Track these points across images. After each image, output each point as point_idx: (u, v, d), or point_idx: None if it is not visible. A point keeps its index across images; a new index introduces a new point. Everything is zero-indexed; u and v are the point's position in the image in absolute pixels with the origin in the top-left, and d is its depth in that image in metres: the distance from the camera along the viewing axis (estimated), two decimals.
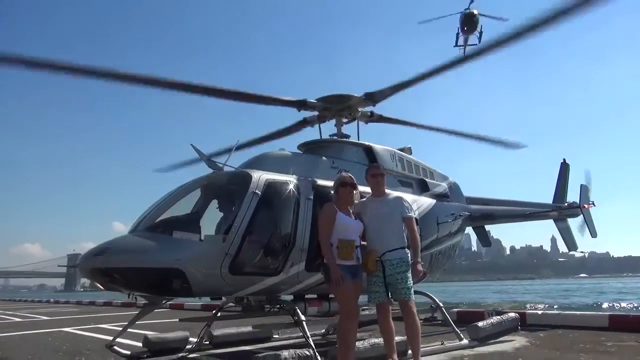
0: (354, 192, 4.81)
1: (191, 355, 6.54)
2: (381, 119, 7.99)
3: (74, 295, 55.23)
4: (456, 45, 24.99)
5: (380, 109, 7.85)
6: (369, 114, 7.79)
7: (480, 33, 23.86)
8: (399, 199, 5.01)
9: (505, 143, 9.59)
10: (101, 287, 5.18)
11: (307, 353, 4.86)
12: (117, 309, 19.66)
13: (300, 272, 5.57)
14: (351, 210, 4.76)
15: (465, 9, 23.93)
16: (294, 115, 7.59)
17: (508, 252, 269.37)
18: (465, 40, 24.71)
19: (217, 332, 7.30)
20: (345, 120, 7.75)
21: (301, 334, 5.30)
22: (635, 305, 18.53)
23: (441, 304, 6.98)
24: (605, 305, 18.65)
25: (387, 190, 5.10)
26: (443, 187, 8.69)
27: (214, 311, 7.12)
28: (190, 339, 7.02)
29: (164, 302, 6.40)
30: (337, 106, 7.37)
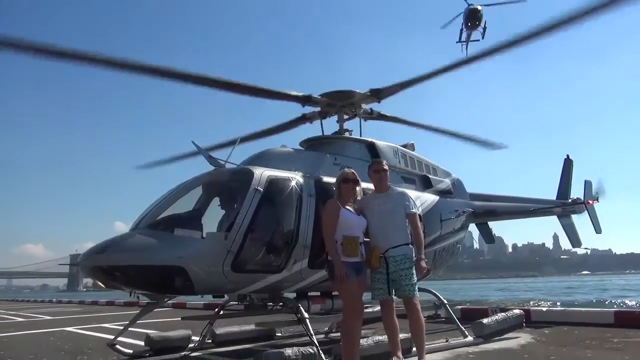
0: (357, 188, 4.75)
1: (193, 354, 6.49)
2: (380, 116, 7.96)
3: (76, 295, 55.32)
4: (459, 41, 24.87)
5: (379, 106, 7.82)
6: (370, 111, 7.76)
7: (484, 29, 23.73)
8: (403, 194, 4.94)
9: (487, 143, 9.57)
10: (102, 286, 5.15)
11: (311, 351, 4.81)
12: (120, 308, 19.64)
13: (303, 269, 5.53)
14: (354, 207, 4.71)
15: (470, 5, 23.76)
16: (294, 111, 7.55)
17: (510, 249, 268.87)
18: (468, 36, 24.59)
19: (219, 331, 7.24)
20: (346, 117, 7.71)
21: (304, 331, 5.26)
22: None
23: (445, 301, 6.92)
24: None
25: (390, 186, 5.04)
26: (446, 183, 8.64)
27: (216, 309, 7.08)
28: (193, 337, 6.97)
29: (166, 300, 6.37)
30: (340, 102, 7.33)
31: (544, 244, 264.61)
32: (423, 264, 4.67)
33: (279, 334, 7.85)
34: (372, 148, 7.28)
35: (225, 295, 6.27)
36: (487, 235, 11.63)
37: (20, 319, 16.04)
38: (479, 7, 23.44)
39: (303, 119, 7.68)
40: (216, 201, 5.83)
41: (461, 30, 24.64)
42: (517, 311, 7.38)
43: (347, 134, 7.64)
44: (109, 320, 12.79)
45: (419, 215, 5.00)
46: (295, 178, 5.76)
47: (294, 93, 6.99)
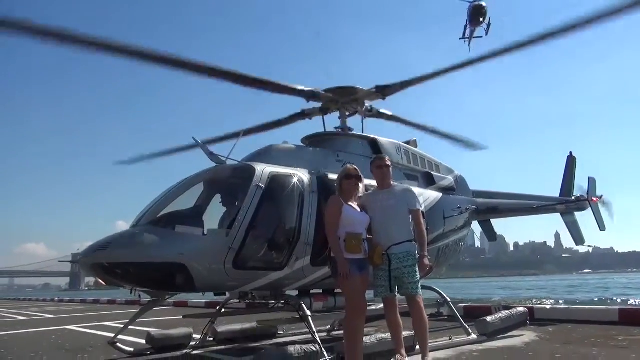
0: (359, 184, 4.69)
1: (195, 352, 6.45)
2: (379, 114, 7.92)
3: (78, 294, 55.43)
4: (463, 37, 24.69)
5: (382, 104, 7.78)
6: (370, 108, 7.71)
7: (488, 25, 23.53)
8: (406, 190, 4.88)
9: (467, 143, 9.48)
10: (103, 283, 5.10)
11: (314, 349, 4.76)
12: (121, 307, 19.63)
13: (306, 266, 5.48)
14: (357, 203, 4.65)
15: (474, 1, 23.55)
16: (298, 106, 7.49)
17: (511, 248, 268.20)
18: (472, 33, 24.38)
19: (221, 329, 7.19)
20: (347, 113, 7.65)
21: (307, 329, 5.20)
22: None
23: (449, 299, 6.87)
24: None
25: (393, 183, 4.98)
26: (449, 180, 8.58)
27: (217, 307, 7.04)
28: (194, 335, 6.94)
29: (167, 298, 6.33)
30: (344, 98, 7.28)
31: (545, 242, 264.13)
32: (426, 261, 4.61)
33: (281, 332, 7.79)
34: (374, 144, 7.23)
35: (227, 294, 6.23)
36: (489, 232, 11.57)
37: (21, 318, 16.03)
38: (484, 4, 23.19)
39: (302, 114, 7.62)
40: (218, 198, 5.79)
41: (465, 26, 24.46)
42: (521, 309, 7.33)
43: (349, 131, 7.57)
44: (110, 319, 12.76)
45: (422, 212, 4.94)
46: (297, 174, 5.71)
47: (300, 87, 6.91)
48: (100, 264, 4.82)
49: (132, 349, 6.39)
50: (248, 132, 8.04)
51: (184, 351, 6.49)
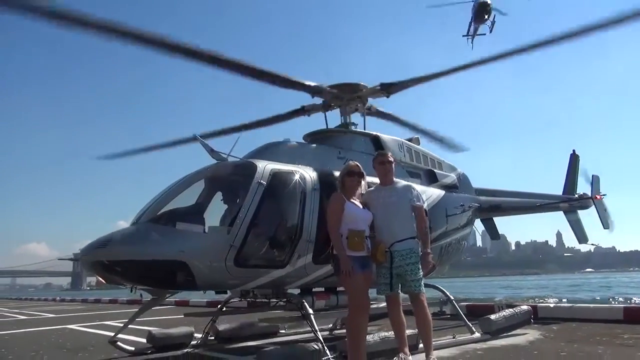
0: (362, 181, 4.64)
1: (196, 351, 6.41)
2: (378, 113, 7.87)
3: (80, 294, 55.49)
4: (467, 34, 24.61)
5: (385, 102, 7.72)
6: (369, 106, 7.66)
7: (493, 23, 23.43)
8: (408, 187, 4.82)
9: (449, 144, 9.36)
10: (103, 281, 5.06)
11: (316, 347, 4.72)
12: (123, 306, 19.62)
13: (308, 264, 5.42)
14: (359, 200, 4.59)
15: None
16: (302, 100, 7.42)
17: (513, 247, 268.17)
18: (475, 30, 24.30)
19: (222, 328, 7.14)
20: (349, 110, 7.59)
21: (309, 328, 5.15)
22: None
23: (452, 297, 6.81)
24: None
25: (395, 179, 4.92)
26: (452, 177, 8.51)
27: (218, 306, 6.99)
28: (195, 334, 6.89)
29: (167, 296, 6.28)
30: (347, 95, 7.22)
31: (547, 241, 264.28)
32: (429, 258, 4.57)
33: (283, 331, 7.74)
34: (376, 141, 7.17)
35: (228, 292, 6.17)
36: (492, 231, 11.50)
37: (22, 317, 16.03)
38: (489, 1, 23.01)
39: (302, 111, 7.54)
40: (219, 195, 5.73)
41: (470, 23, 24.35)
42: (524, 307, 7.27)
43: (351, 128, 7.52)
44: (111, 318, 12.73)
45: (425, 209, 4.87)
46: (299, 172, 5.65)
47: (305, 82, 6.78)
48: (100, 262, 4.76)
49: (132, 348, 6.35)
50: (247, 127, 7.98)
51: (185, 350, 6.45)
